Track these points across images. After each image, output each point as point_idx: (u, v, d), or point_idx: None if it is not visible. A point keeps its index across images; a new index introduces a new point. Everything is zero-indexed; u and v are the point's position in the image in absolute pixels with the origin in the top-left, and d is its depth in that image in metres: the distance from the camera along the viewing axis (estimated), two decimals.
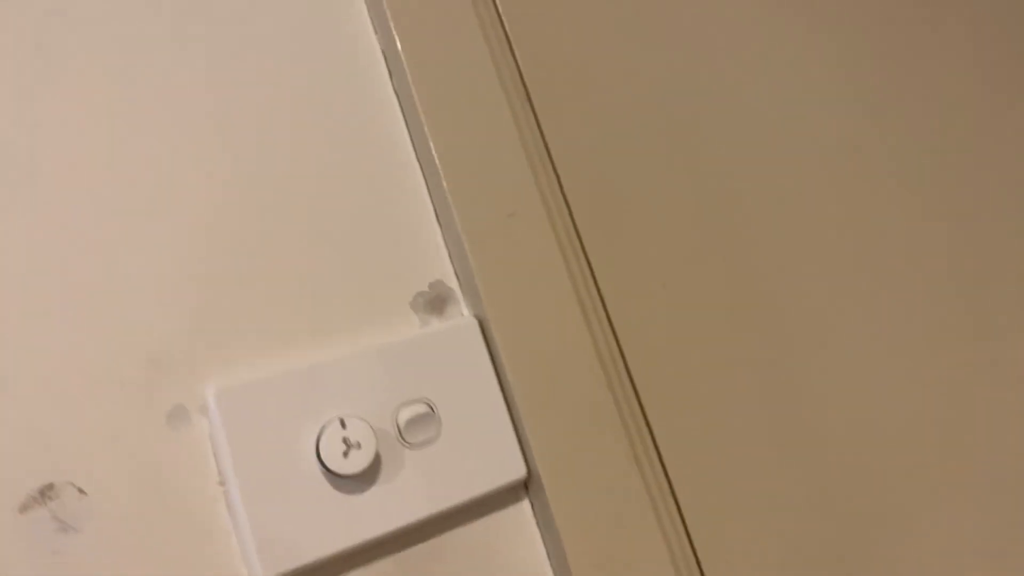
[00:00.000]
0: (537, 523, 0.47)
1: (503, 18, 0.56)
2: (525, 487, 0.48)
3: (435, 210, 0.51)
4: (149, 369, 0.42)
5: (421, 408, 0.45)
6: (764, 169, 0.61)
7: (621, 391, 0.50)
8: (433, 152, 0.50)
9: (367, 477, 0.43)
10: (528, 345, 0.48)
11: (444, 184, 0.49)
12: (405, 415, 0.44)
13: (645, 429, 0.50)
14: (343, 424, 0.41)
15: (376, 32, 0.53)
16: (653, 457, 0.50)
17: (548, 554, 0.47)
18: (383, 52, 0.53)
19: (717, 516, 0.51)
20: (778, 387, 0.56)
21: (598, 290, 0.52)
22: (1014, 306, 0.64)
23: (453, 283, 0.50)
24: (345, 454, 0.41)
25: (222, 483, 0.41)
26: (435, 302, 0.50)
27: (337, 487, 0.42)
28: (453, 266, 0.51)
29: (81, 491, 0.39)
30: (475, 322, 0.48)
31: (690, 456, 0.52)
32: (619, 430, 0.48)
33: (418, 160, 0.52)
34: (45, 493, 0.38)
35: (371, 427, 0.42)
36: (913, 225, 0.64)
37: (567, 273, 0.50)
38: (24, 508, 0.38)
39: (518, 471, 0.46)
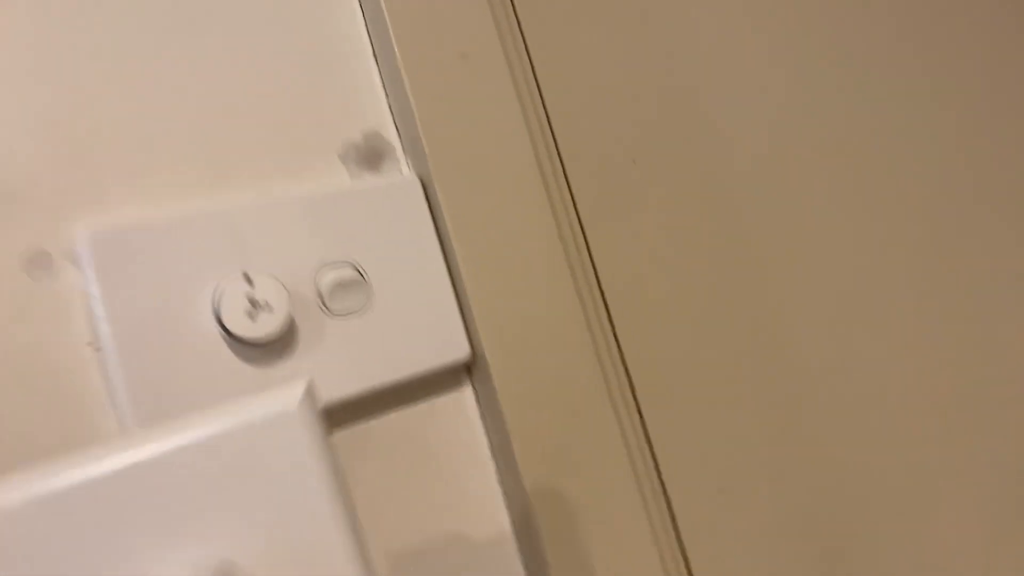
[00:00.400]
0: (480, 411, 0.41)
1: None
2: (468, 370, 0.41)
3: (373, 47, 0.43)
4: (2, 202, 0.33)
5: (347, 272, 0.38)
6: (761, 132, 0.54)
7: (580, 266, 0.43)
8: None
9: (278, 346, 0.35)
10: (477, 209, 0.41)
11: (385, 15, 0.41)
12: (329, 278, 0.37)
13: (604, 312, 0.44)
14: (248, 280, 0.34)
15: None
16: (613, 347, 0.44)
17: (491, 445, 0.41)
18: None
19: (676, 410, 0.46)
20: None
21: (557, 147, 0.45)
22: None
23: (391, 135, 0.43)
24: (251, 315, 0.34)
25: (95, 346, 0.34)
26: (369, 156, 0.42)
27: (240, 355, 0.35)
28: (392, 116, 0.43)
29: None
30: (417, 180, 0.41)
31: (651, 345, 0.46)
32: (576, 308, 0.42)
33: None
34: None
35: (284, 287, 0.35)
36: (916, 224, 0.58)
37: (525, 127, 0.43)
38: None
39: (460, 351, 0.40)
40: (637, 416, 0.44)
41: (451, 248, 0.40)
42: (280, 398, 0.24)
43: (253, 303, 0.34)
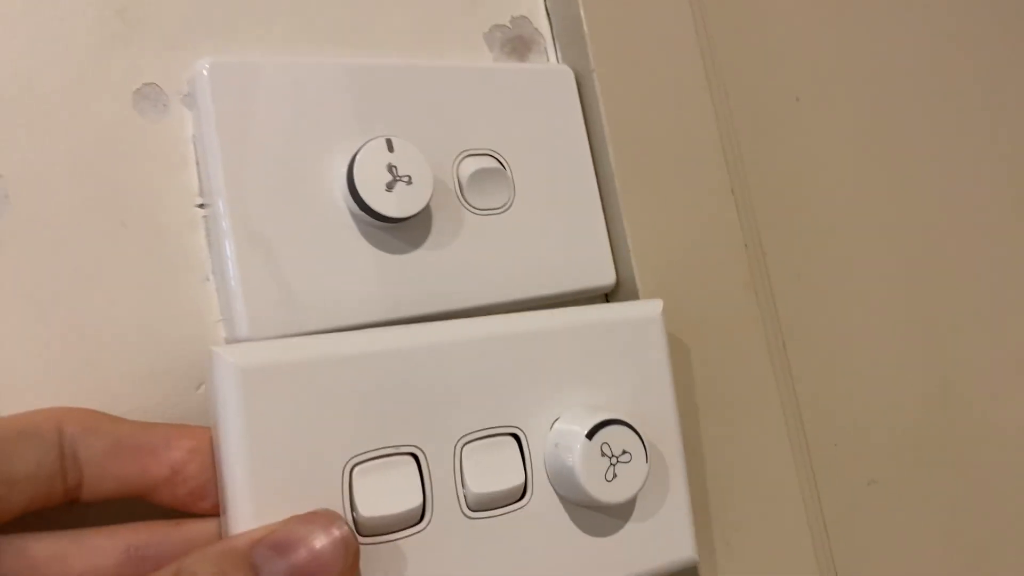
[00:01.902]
0: None
1: None
2: (605, 299, 0.36)
3: None
4: (115, 23, 0.28)
5: (490, 163, 0.32)
6: None
7: (741, 190, 0.37)
8: None
9: (410, 232, 0.30)
10: (639, 111, 0.35)
11: None
12: (471, 167, 0.31)
13: (762, 257, 0.38)
14: (390, 146, 0.28)
15: None
16: (771, 305, 0.38)
17: None
18: None
19: (831, 391, 0.40)
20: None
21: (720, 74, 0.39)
22: None
23: (542, 22, 0.37)
24: (389, 187, 0.28)
25: (204, 204, 0.28)
26: (516, 44, 0.36)
27: (368, 235, 0.29)
28: (545, 3, 0.37)
29: None
30: (569, 71, 0.35)
31: (810, 318, 0.40)
32: (739, 249, 0.36)
33: None
34: None
35: (428, 162, 0.29)
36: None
37: (695, 34, 0.37)
38: None
39: (606, 277, 0.34)
40: (790, 388, 0.38)
41: (605, 154, 0.34)
42: (645, 308, 0.31)
43: (393, 173, 0.28)
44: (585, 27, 0.35)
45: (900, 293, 0.43)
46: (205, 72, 0.27)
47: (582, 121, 0.35)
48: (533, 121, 0.34)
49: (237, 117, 0.27)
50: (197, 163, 0.28)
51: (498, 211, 0.32)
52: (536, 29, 0.37)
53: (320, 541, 0.21)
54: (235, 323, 0.27)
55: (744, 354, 0.36)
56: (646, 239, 0.34)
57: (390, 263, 0.29)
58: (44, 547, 0.21)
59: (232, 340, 0.27)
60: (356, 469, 0.24)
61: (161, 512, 0.24)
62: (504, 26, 0.36)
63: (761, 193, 0.40)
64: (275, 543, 0.21)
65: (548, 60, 0.37)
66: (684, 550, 0.29)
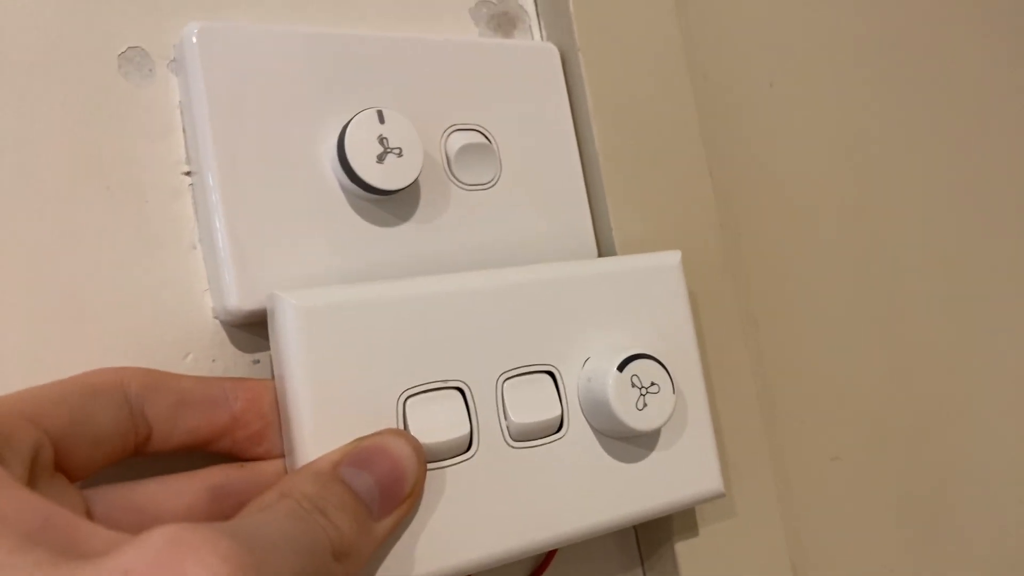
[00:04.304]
0: None
1: None
2: None
3: None
4: None
5: (477, 138, 0.32)
6: None
7: (719, 172, 0.38)
8: None
9: (398, 204, 0.30)
10: (622, 91, 0.36)
11: None
12: (458, 142, 0.32)
13: (738, 234, 0.39)
14: (381, 118, 0.28)
15: None
16: (742, 280, 0.39)
17: None
18: None
19: (799, 366, 0.41)
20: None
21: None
22: None
23: (527, 0, 0.37)
24: (380, 159, 0.28)
25: (190, 172, 0.28)
26: (501, 20, 0.36)
27: (357, 207, 0.29)
28: None
29: None
30: (555, 49, 0.36)
31: (783, 301, 0.41)
32: (716, 234, 0.37)
33: None
34: None
35: (418, 134, 0.29)
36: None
37: (675, 13, 0.38)
38: None
39: (587, 253, 0.34)
40: (761, 367, 0.39)
41: (588, 132, 0.35)
42: (664, 257, 0.32)
43: (384, 144, 0.28)
44: (571, 5, 0.35)
45: (867, 275, 0.44)
46: (194, 38, 0.27)
47: (567, 99, 0.35)
48: (519, 97, 0.34)
49: (226, 84, 0.27)
50: (184, 130, 0.28)
51: (485, 186, 0.32)
52: (521, 6, 0.37)
53: (396, 451, 0.23)
54: (223, 293, 0.27)
55: (718, 332, 0.37)
56: (627, 216, 0.35)
57: (378, 236, 0.29)
58: (140, 493, 0.23)
59: (220, 310, 0.27)
60: (409, 401, 0.26)
61: (217, 461, 0.25)
62: (490, 2, 0.36)
63: (737, 176, 0.41)
64: (356, 459, 0.23)
65: (532, 37, 0.37)
66: (712, 482, 0.31)
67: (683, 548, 0.33)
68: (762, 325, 0.40)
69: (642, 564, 0.35)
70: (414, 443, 0.24)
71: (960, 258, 0.48)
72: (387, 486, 0.23)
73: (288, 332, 0.25)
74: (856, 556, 0.41)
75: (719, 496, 0.31)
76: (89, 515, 0.21)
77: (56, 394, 0.21)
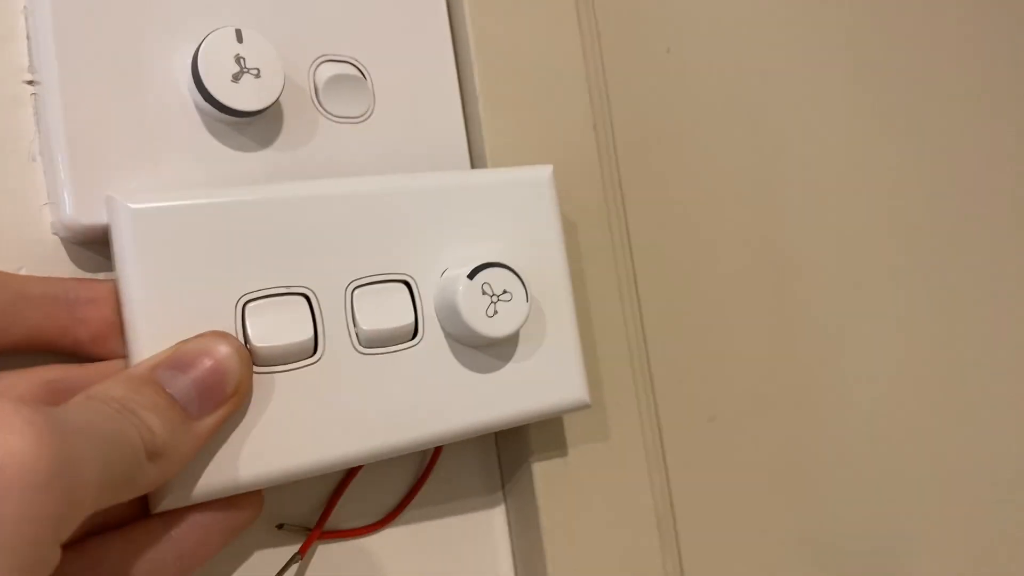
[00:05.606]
0: None
1: None
2: None
3: None
4: None
5: (349, 70, 0.32)
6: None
7: (603, 128, 0.38)
8: None
9: (258, 129, 0.29)
10: (506, 31, 0.36)
11: None
12: (327, 72, 0.31)
13: (617, 177, 0.40)
14: (239, 37, 0.28)
15: None
16: (624, 238, 0.40)
17: None
18: None
19: (677, 331, 0.42)
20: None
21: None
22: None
23: None
24: (236, 78, 0.27)
25: (33, 80, 0.27)
26: None
27: (213, 128, 0.28)
28: None
29: None
30: None
31: (662, 250, 0.41)
32: (596, 168, 0.37)
33: None
34: None
35: (279, 56, 0.29)
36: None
37: None
38: None
39: None
40: (638, 323, 0.40)
41: (469, 71, 0.35)
42: (535, 171, 0.32)
43: (241, 64, 0.27)
44: None
45: (750, 234, 0.45)
46: None
47: (449, 34, 0.35)
48: (396, 29, 0.33)
49: None
50: (28, 36, 0.27)
51: (356, 119, 0.32)
52: None
53: (215, 353, 0.23)
54: (62, 207, 0.26)
55: (595, 286, 0.37)
56: (505, 160, 0.35)
57: (234, 159, 0.29)
58: None
59: (59, 224, 0.26)
60: (248, 306, 0.26)
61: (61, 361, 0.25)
62: None
63: (625, 135, 0.41)
64: (174, 362, 0.23)
65: None
66: (576, 391, 0.31)
67: (540, 469, 0.33)
68: (641, 282, 0.40)
69: (503, 487, 0.35)
70: (235, 344, 0.24)
71: (853, 213, 0.49)
72: (207, 387, 0.23)
73: (123, 234, 0.24)
74: (725, 516, 0.42)
75: (584, 406, 0.32)
76: None
77: None
